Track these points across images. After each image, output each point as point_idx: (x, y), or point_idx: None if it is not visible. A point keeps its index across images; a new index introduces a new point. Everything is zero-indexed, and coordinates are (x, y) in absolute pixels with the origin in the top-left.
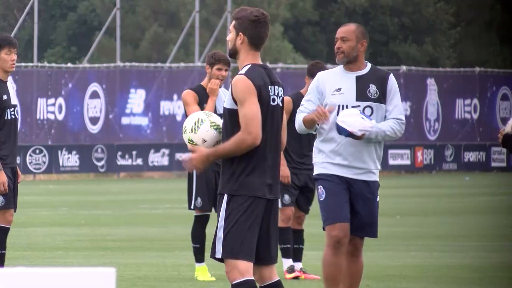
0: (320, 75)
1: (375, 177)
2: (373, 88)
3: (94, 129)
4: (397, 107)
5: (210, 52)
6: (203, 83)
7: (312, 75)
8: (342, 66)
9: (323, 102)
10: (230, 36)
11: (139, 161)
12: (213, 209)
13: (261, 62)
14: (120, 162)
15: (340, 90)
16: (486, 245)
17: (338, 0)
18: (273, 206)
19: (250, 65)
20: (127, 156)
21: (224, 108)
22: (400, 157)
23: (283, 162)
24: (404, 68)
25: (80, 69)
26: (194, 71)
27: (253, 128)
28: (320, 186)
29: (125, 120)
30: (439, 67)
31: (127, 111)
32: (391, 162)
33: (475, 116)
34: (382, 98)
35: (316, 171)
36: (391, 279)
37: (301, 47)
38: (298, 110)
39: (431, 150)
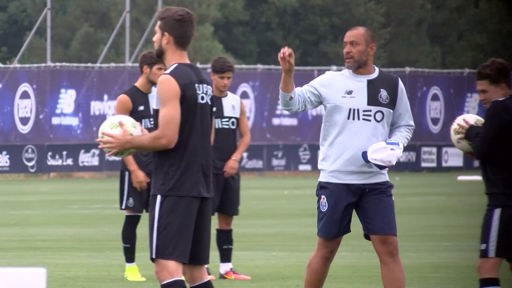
0: (330, 74)
1: (385, 177)
2: (384, 93)
3: (24, 129)
4: (408, 113)
5: (145, 52)
6: (138, 84)
7: (214, 70)
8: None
9: (323, 100)
10: (156, 36)
11: (70, 161)
12: (144, 210)
13: (188, 61)
14: (51, 162)
15: (351, 93)
16: (416, 245)
17: (268, 0)
18: (207, 205)
19: (176, 64)
20: (57, 156)
21: (153, 109)
22: None
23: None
24: (334, 68)
25: (11, 69)
26: (125, 71)
27: (169, 130)
28: (323, 197)
29: (55, 120)
30: None
31: (58, 111)
32: None
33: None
34: (391, 103)
35: (324, 178)
36: None
37: (232, 47)
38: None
39: None
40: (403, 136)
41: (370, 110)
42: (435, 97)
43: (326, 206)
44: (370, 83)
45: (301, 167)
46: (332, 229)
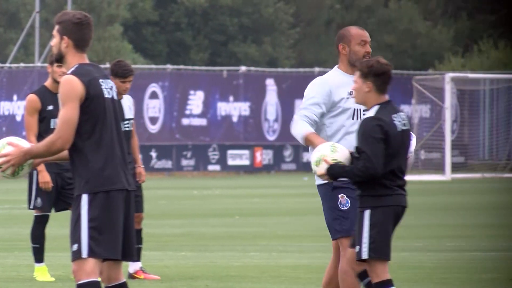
0: (330, 78)
1: None
2: None
3: None
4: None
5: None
6: (47, 83)
7: (116, 74)
8: (340, 69)
9: (331, 106)
10: (55, 41)
11: None
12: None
13: (88, 62)
14: None
15: (352, 93)
16: (324, 246)
17: (177, 1)
18: (131, 198)
19: (77, 65)
20: None
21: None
22: (239, 157)
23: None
24: (243, 68)
25: None
26: (34, 71)
27: (64, 132)
28: (343, 195)
29: None
30: (278, 68)
31: None
32: (230, 162)
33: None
34: None
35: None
36: (231, 280)
37: (141, 48)
38: (302, 112)
39: (270, 150)
40: None
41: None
42: None
43: (349, 203)
44: None
45: (210, 167)
46: (353, 226)
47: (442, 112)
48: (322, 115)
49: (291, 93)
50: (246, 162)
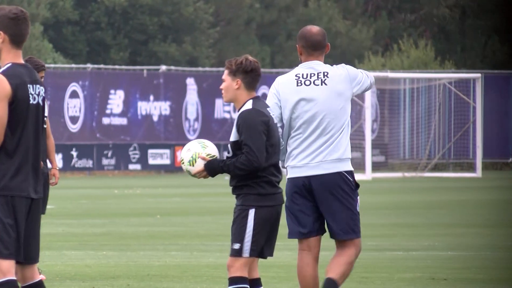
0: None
1: None
2: None
3: None
4: None
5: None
6: None
7: None
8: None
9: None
10: None
11: None
12: None
13: (22, 61)
14: None
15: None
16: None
17: (97, 0)
18: (36, 206)
19: (10, 64)
20: None
21: None
22: (160, 157)
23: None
24: (163, 67)
25: None
26: None
27: None
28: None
29: None
30: (198, 67)
31: None
32: (151, 161)
33: (235, 115)
34: None
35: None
36: (152, 279)
37: (61, 47)
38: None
39: None
40: None
41: None
42: (262, 96)
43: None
44: None
45: (131, 166)
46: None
47: (362, 112)
48: None
49: (211, 92)
50: (167, 161)
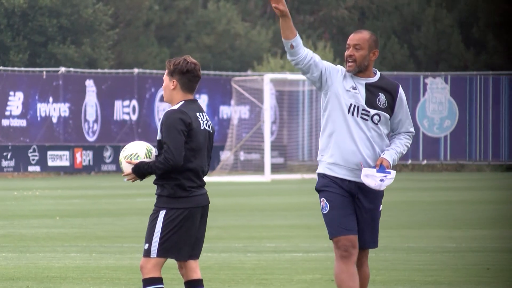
0: (340, 67)
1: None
2: (382, 97)
3: None
4: (408, 120)
5: None
6: None
7: None
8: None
9: (326, 85)
10: None
11: None
12: None
13: None
14: None
15: (356, 89)
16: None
17: None
18: None
19: None
20: None
21: None
22: (59, 158)
23: None
24: (63, 69)
25: None
26: None
27: None
28: (323, 199)
29: None
30: (97, 69)
31: None
32: (50, 163)
33: (134, 117)
34: (389, 109)
35: (321, 170)
36: (51, 281)
37: None
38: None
39: (90, 151)
40: (402, 144)
41: (368, 111)
42: (163, 98)
43: (328, 207)
44: (368, 86)
45: (31, 168)
46: (339, 226)
47: (261, 113)
48: (319, 75)
49: (110, 94)
50: (66, 163)
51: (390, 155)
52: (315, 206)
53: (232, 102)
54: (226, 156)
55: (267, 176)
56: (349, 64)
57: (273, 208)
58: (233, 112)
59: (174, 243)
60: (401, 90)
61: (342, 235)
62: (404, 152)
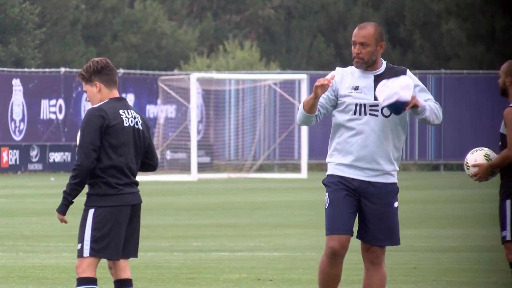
0: (341, 70)
1: (393, 179)
2: None
3: None
4: (426, 92)
5: None
6: None
7: None
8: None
9: (337, 96)
10: None
11: None
12: None
13: None
14: None
15: (358, 88)
16: (70, 246)
17: None
18: None
19: None
20: None
21: None
22: None
23: None
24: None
25: None
26: None
27: None
28: (326, 194)
29: None
30: (24, 68)
31: None
32: None
33: (60, 116)
34: None
35: (330, 171)
36: None
37: None
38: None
39: (17, 150)
40: (427, 103)
41: (377, 105)
42: None
43: (328, 203)
44: (377, 78)
45: None
46: (333, 224)
47: (188, 112)
48: (332, 99)
49: (37, 93)
50: None
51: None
52: (242, 205)
53: (159, 101)
54: None
55: (194, 175)
56: (356, 60)
57: (200, 208)
58: (160, 111)
59: (106, 241)
60: (409, 73)
61: (334, 234)
62: (436, 112)
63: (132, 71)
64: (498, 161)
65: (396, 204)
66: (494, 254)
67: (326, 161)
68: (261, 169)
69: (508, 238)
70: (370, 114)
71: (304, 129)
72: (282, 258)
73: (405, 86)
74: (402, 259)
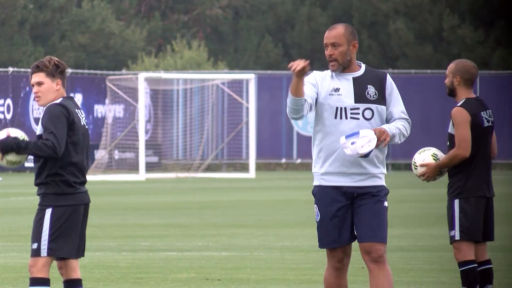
0: (315, 73)
1: (381, 182)
2: (371, 89)
3: None
4: (400, 106)
5: None
6: None
7: None
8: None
9: (318, 98)
10: None
11: None
12: None
13: None
14: None
15: (338, 90)
16: (18, 246)
17: None
18: None
19: None
20: None
21: None
22: None
23: None
24: None
25: None
26: None
27: None
28: (316, 206)
29: None
30: None
31: None
32: None
33: (9, 116)
34: (381, 99)
35: (316, 182)
36: None
37: None
38: None
39: None
40: (398, 124)
41: (358, 108)
42: None
43: (318, 216)
44: (356, 80)
45: None
46: (331, 236)
47: (136, 112)
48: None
49: None
50: None
51: (387, 126)
52: (190, 205)
53: (107, 101)
54: (100, 155)
55: (142, 175)
56: (332, 64)
57: (148, 207)
58: (108, 111)
59: (63, 241)
60: (389, 78)
61: (334, 246)
62: (404, 132)
63: (80, 70)
64: (446, 161)
65: (386, 204)
66: (442, 253)
67: (312, 171)
68: (209, 168)
69: (457, 237)
70: (351, 117)
71: (252, 129)
72: (231, 258)
73: (365, 145)
74: (352, 259)
